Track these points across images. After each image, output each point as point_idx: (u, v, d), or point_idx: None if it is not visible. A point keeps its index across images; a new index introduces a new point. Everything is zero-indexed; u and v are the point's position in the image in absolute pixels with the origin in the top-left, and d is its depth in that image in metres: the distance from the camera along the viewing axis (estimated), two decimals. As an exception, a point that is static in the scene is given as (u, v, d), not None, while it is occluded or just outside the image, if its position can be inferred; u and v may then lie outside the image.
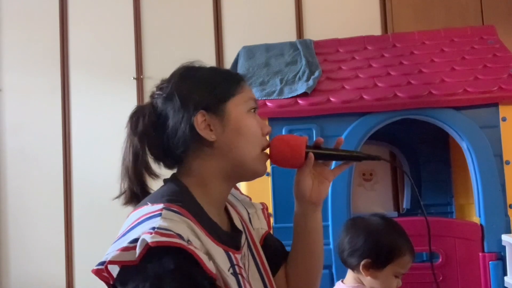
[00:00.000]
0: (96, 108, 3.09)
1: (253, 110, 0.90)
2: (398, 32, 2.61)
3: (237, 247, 0.87)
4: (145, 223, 0.73)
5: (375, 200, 2.41)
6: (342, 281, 1.46)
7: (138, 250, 0.69)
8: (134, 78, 3.04)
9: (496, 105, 1.85)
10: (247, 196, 1.07)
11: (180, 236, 0.70)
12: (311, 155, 0.91)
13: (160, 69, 3.04)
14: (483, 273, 1.76)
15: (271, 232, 1.05)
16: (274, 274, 0.99)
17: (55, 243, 3.04)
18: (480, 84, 1.90)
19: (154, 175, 0.89)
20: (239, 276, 0.81)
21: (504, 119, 1.84)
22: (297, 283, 1.01)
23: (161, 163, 0.90)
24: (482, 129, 1.83)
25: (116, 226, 2.96)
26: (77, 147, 3.09)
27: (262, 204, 1.07)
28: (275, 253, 1.01)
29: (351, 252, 1.38)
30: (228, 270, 0.78)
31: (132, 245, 0.70)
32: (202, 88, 0.87)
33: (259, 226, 1.01)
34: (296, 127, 1.90)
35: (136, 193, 0.88)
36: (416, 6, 2.78)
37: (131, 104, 2.99)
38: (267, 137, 0.94)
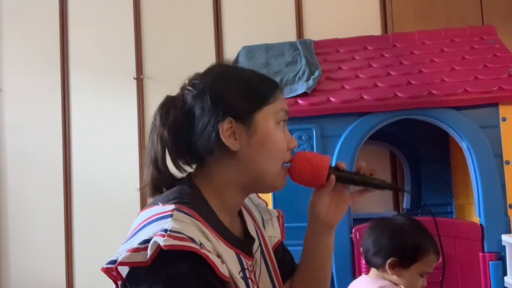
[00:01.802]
0: (96, 108, 3.09)
1: (283, 121, 0.87)
2: (398, 32, 2.61)
3: (249, 254, 0.86)
4: (155, 224, 0.72)
5: (375, 200, 2.41)
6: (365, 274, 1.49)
7: (149, 252, 0.68)
8: (134, 78, 3.04)
9: (496, 105, 1.85)
10: (264, 201, 1.04)
11: (192, 240, 0.69)
12: (333, 177, 0.88)
13: (160, 69, 3.05)
14: (483, 273, 1.76)
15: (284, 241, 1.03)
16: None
17: (55, 243, 3.04)
18: (480, 84, 1.90)
19: (181, 168, 0.87)
20: (249, 281, 0.80)
21: (504, 119, 1.84)
22: None
23: (182, 159, 0.87)
24: (482, 129, 1.83)
25: (116, 226, 2.95)
26: (77, 147, 3.09)
27: (278, 211, 1.05)
28: (283, 266, 0.98)
29: (376, 252, 1.41)
30: (239, 274, 0.77)
31: (142, 246, 0.69)
32: (235, 94, 0.84)
33: (272, 234, 0.99)
34: (296, 127, 1.90)
35: (160, 184, 0.86)
36: (416, 6, 2.78)
37: (131, 104, 3.03)
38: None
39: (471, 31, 2.27)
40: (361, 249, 1.49)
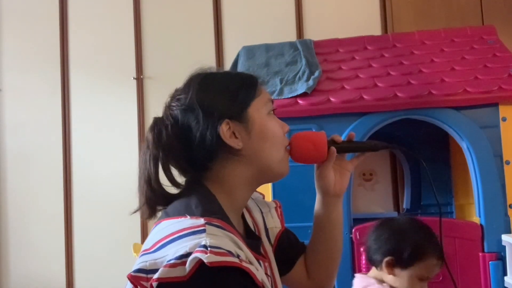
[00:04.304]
0: (96, 108, 3.10)
1: (272, 111, 0.91)
2: (398, 32, 2.61)
3: (261, 254, 0.87)
4: (188, 238, 0.71)
5: (375, 200, 2.41)
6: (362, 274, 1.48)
7: (188, 267, 0.68)
8: (134, 78, 3.04)
9: (496, 105, 1.85)
10: (261, 194, 1.07)
11: (231, 253, 0.70)
12: (334, 149, 0.93)
13: (160, 69, 3.05)
14: (483, 273, 1.76)
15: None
16: (291, 267, 1.02)
17: (55, 243, 3.04)
18: (480, 84, 1.90)
19: (177, 185, 0.87)
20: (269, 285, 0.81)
21: (504, 119, 1.84)
22: (319, 272, 1.03)
23: (187, 174, 0.88)
24: (482, 129, 1.83)
25: (116, 226, 2.94)
26: (77, 147, 3.10)
27: (275, 202, 1.08)
28: (292, 247, 1.03)
29: (375, 250, 1.40)
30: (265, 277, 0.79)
31: (180, 261, 0.68)
32: (224, 97, 0.86)
33: (273, 225, 1.02)
34: (296, 127, 1.88)
35: (156, 206, 0.86)
36: (416, 6, 2.78)
37: (131, 104, 3.03)
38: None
39: (471, 31, 2.26)
40: (363, 248, 1.48)
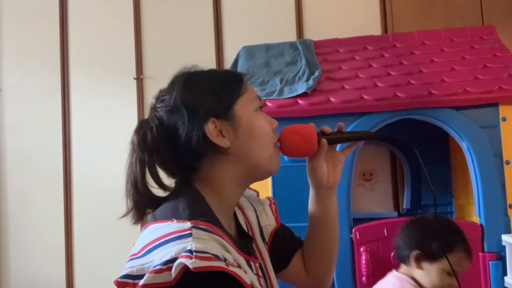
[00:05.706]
0: (96, 108, 3.09)
1: (259, 108, 0.89)
2: (398, 32, 2.61)
3: (250, 254, 0.86)
4: (174, 243, 0.71)
5: (375, 200, 2.41)
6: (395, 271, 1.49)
7: (174, 273, 0.67)
8: (134, 78, 3.04)
9: (496, 105, 1.85)
10: (255, 191, 1.06)
11: (217, 257, 0.69)
12: (324, 141, 0.92)
13: (160, 69, 3.05)
14: (483, 273, 1.76)
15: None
16: (288, 263, 1.01)
17: (55, 243, 3.04)
18: (480, 84, 1.90)
19: (165, 188, 0.86)
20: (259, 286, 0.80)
21: (504, 119, 1.84)
22: (316, 267, 1.03)
23: (175, 176, 0.87)
24: (482, 129, 1.83)
25: (115, 227, 2.93)
26: (77, 147, 3.09)
27: (269, 199, 1.07)
28: (288, 242, 1.02)
29: (403, 246, 1.40)
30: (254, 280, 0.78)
31: (165, 267, 0.68)
32: (208, 95, 0.85)
33: (267, 223, 1.01)
34: (296, 127, 1.89)
35: (145, 210, 0.85)
36: (416, 6, 2.78)
37: (131, 104, 3.03)
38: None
39: (471, 31, 2.26)
40: (394, 247, 1.50)
